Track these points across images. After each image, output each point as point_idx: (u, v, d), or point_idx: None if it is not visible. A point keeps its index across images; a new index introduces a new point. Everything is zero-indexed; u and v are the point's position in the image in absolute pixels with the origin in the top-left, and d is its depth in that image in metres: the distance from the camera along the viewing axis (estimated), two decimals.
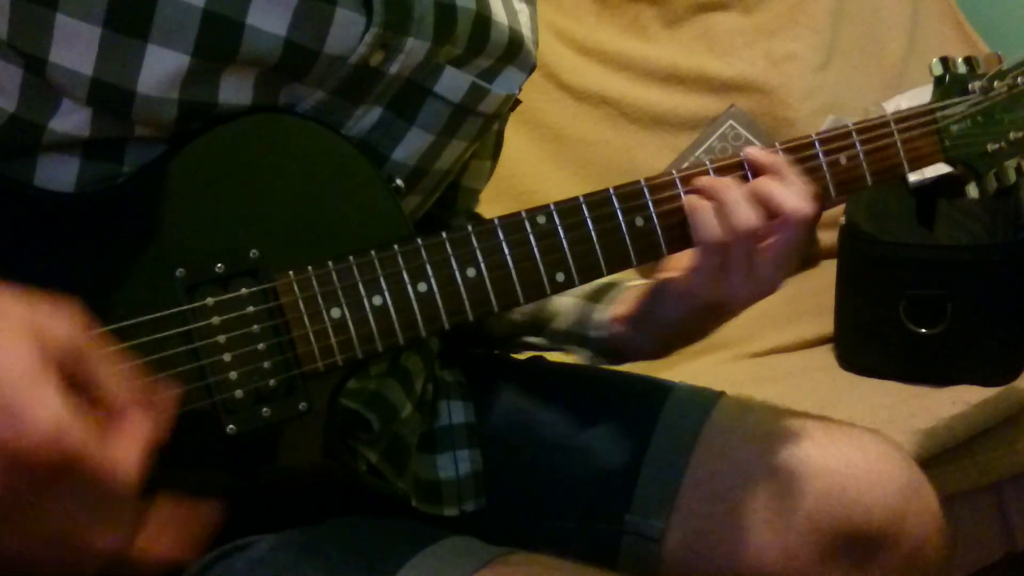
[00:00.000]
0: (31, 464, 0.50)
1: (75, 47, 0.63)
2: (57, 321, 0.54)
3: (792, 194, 0.76)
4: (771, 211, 0.76)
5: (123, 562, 0.57)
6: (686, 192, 0.78)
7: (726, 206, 0.76)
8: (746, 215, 0.75)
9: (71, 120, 0.65)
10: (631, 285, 0.90)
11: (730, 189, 0.76)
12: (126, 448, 0.54)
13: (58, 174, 0.67)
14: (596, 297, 0.91)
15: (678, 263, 0.80)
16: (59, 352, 0.53)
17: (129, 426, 0.55)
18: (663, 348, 0.88)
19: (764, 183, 0.77)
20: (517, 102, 0.86)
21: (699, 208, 0.77)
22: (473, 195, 0.96)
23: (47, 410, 0.50)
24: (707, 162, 0.78)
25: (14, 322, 0.52)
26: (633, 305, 0.87)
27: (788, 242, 0.76)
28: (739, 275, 0.77)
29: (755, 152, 0.79)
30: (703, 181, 0.78)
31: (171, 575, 0.69)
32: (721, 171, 0.78)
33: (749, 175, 0.79)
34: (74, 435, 0.51)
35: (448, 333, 0.82)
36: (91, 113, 0.65)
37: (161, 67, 0.64)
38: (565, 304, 0.92)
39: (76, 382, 0.53)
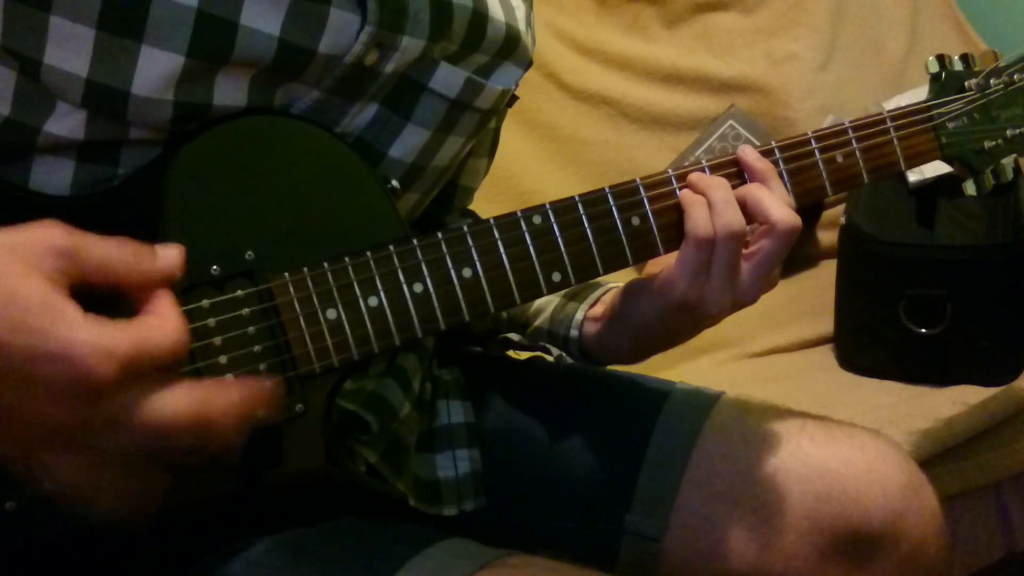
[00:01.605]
0: (101, 391, 0.52)
1: (70, 49, 0.63)
2: (38, 241, 0.54)
3: (780, 204, 0.76)
4: (758, 218, 0.76)
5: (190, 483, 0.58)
6: (680, 188, 0.78)
7: (715, 205, 0.76)
8: (735, 216, 0.76)
9: (66, 122, 0.65)
10: (613, 286, 0.89)
11: (720, 189, 0.77)
12: (163, 319, 0.56)
13: (53, 177, 0.67)
14: (575, 296, 0.90)
15: (661, 263, 0.80)
16: (58, 269, 0.53)
17: (154, 299, 0.56)
18: (636, 351, 0.87)
19: (753, 189, 0.77)
20: (514, 98, 0.86)
21: (694, 203, 0.77)
22: (469, 193, 0.96)
23: (87, 344, 0.51)
24: (703, 161, 0.79)
25: (4, 261, 0.52)
26: (609, 304, 0.86)
27: (771, 253, 0.76)
28: (720, 278, 0.76)
29: (748, 156, 0.79)
30: (695, 177, 0.78)
31: (171, 574, 0.69)
32: (716, 169, 0.78)
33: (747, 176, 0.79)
34: (120, 346, 0.52)
35: (443, 333, 0.82)
36: (86, 115, 0.65)
37: (155, 68, 0.64)
38: (546, 302, 0.92)
39: (86, 282, 0.54)
